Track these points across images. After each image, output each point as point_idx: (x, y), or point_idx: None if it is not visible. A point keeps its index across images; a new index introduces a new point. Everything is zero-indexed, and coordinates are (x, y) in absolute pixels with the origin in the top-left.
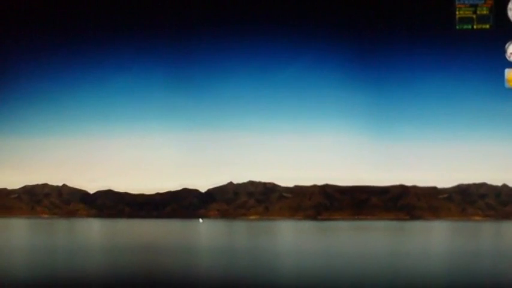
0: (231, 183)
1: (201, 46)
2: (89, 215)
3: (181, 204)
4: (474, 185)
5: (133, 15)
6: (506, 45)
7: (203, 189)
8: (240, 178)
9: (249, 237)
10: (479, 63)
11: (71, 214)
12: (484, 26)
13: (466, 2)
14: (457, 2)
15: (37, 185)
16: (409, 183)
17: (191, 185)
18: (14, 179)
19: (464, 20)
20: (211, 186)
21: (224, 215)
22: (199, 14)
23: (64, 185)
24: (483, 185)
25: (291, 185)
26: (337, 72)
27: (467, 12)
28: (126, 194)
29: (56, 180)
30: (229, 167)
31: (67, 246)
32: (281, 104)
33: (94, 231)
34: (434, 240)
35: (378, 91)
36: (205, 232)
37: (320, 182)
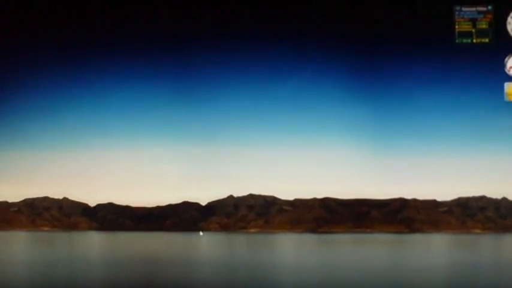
0: (231, 196)
1: (202, 60)
2: (89, 228)
3: (182, 217)
4: (474, 198)
5: (135, 29)
6: (506, 59)
7: (203, 203)
8: (240, 191)
9: (249, 250)
10: (478, 77)
11: (72, 227)
12: (483, 40)
13: (466, 16)
14: (456, 16)
15: (37, 198)
16: (409, 197)
17: (191, 198)
18: (14, 192)
19: (464, 34)
20: (211, 200)
21: (224, 228)
22: (201, 27)
23: (65, 198)
24: (483, 198)
25: (291, 198)
26: (337, 86)
27: (466, 26)
28: (127, 207)
29: (56, 194)
30: (230, 180)
31: (68, 260)
32: (281, 118)
33: (95, 244)
34: (434, 253)
35: (378, 105)
36: (206, 245)
37: (320, 195)
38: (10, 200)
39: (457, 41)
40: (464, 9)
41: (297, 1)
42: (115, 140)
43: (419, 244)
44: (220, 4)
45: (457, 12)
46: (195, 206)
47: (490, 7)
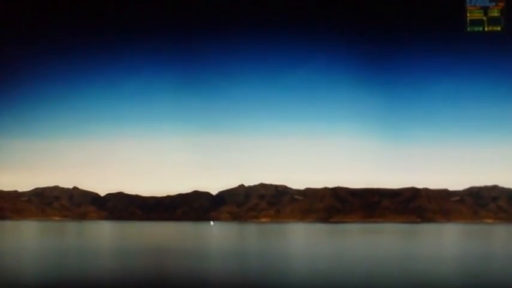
0: (242, 185)
1: (213, 50)
2: (99, 218)
3: (192, 206)
4: (486, 187)
5: (145, 20)
6: None
7: (214, 192)
8: (251, 181)
9: (261, 239)
10: (490, 65)
11: (82, 216)
12: (495, 28)
13: (477, 4)
14: (467, 5)
15: (47, 188)
16: (420, 186)
17: (202, 187)
18: (24, 182)
19: (475, 22)
20: (222, 189)
21: (235, 217)
22: (211, 18)
23: (75, 188)
24: (495, 187)
25: (302, 187)
26: (348, 75)
27: (478, 15)
28: (137, 196)
29: (66, 183)
30: (241, 170)
31: (78, 249)
32: (292, 107)
33: (105, 233)
34: (446, 242)
35: (389, 94)
36: (217, 234)
37: (331, 185)
38: (20, 190)
39: (468, 29)
40: None
41: None
42: (125, 130)
43: (432, 234)
44: None
45: (468, 0)
46: (206, 195)
47: None
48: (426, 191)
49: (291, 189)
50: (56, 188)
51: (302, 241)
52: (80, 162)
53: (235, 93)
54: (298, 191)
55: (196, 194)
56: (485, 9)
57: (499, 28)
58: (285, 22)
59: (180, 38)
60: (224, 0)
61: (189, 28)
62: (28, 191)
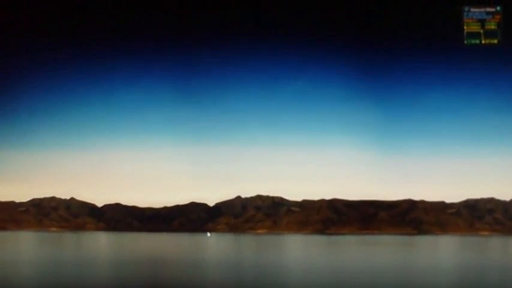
0: (239, 197)
1: (209, 61)
2: (97, 229)
3: (189, 218)
4: (482, 200)
5: (142, 30)
6: None
7: (211, 203)
8: (248, 192)
9: (257, 251)
10: (488, 78)
11: (79, 227)
12: (492, 41)
13: (474, 16)
14: (465, 17)
15: (45, 198)
16: (417, 198)
17: (199, 198)
18: (22, 192)
19: (473, 35)
20: (219, 200)
21: (232, 228)
22: (208, 29)
23: (72, 199)
24: (491, 200)
25: (299, 199)
26: (344, 87)
27: (475, 27)
28: (134, 207)
29: (64, 194)
30: (237, 181)
31: (76, 260)
32: (289, 118)
33: (102, 244)
34: (442, 255)
35: (386, 106)
36: (213, 246)
37: (328, 197)
38: (18, 200)
39: (465, 42)
40: (473, 9)
41: (304, 3)
42: (123, 141)
43: (428, 246)
44: (227, 5)
45: (465, 13)
46: (203, 206)
47: (498, 8)
48: (423, 203)
49: (287, 200)
50: (53, 198)
51: (299, 252)
52: (77, 173)
53: (232, 105)
54: (295, 203)
55: (193, 205)
56: (482, 22)
57: (495, 41)
58: (281, 33)
59: (176, 49)
60: (220, 12)
61: (185, 40)
62: (26, 202)
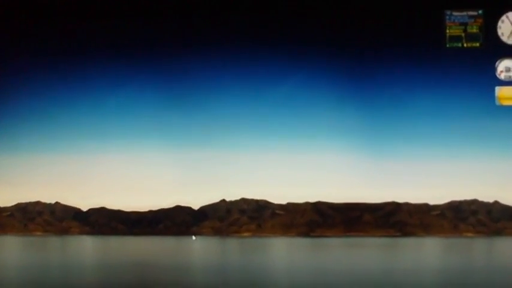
0: (223, 200)
1: (194, 64)
2: (81, 233)
3: (174, 221)
4: (466, 201)
5: (128, 34)
6: (497, 63)
7: (196, 207)
8: (232, 195)
9: (242, 254)
10: (470, 81)
11: (64, 231)
12: (473, 45)
13: (456, 20)
14: (447, 21)
15: (30, 203)
16: (401, 200)
17: (184, 202)
18: (6, 197)
19: (455, 38)
20: (203, 204)
21: (217, 232)
22: (193, 32)
23: (57, 203)
24: (474, 201)
25: (283, 202)
26: (328, 91)
27: (457, 31)
28: (119, 211)
29: (48, 198)
30: (222, 185)
31: (61, 264)
32: (274, 122)
33: (87, 248)
34: (427, 256)
35: (369, 109)
36: (199, 249)
37: (312, 199)
38: (2, 205)
39: (448, 45)
40: (455, 13)
41: (290, 6)
42: (108, 144)
43: (412, 248)
44: (214, 8)
45: (447, 17)
46: (188, 210)
47: (480, 11)
48: (407, 205)
49: (272, 204)
50: (38, 203)
51: (284, 255)
52: (62, 177)
53: (217, 109)
54: (279, 206)
55: (178, 208)
56: (464, 26)
57: (477, 44)
58: (265, 38)
59: (163, 54)
60: (207, 17)
61: (172, 44)
62: (10, 206)
